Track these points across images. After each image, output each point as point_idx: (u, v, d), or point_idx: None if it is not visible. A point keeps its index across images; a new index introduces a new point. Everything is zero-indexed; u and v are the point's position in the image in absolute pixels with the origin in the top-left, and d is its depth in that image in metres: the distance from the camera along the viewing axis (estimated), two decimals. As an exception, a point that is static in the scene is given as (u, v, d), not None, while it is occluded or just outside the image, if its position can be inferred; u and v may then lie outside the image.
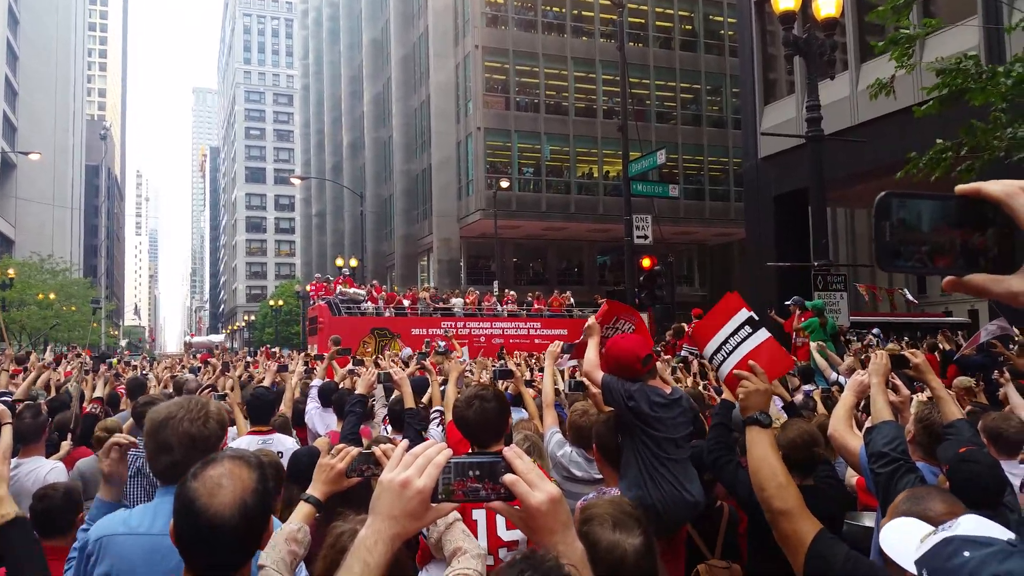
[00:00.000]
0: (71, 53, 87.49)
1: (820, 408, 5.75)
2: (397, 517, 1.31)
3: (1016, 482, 3.41)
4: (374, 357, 13.65)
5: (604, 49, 39.99)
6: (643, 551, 2.05)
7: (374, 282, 29.29)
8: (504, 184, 35.59)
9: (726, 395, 4.16)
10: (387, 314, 25.40)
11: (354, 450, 2.45)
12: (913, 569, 1.46)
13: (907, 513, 2.25)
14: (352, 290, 26.02)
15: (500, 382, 6.76)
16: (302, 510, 2.35)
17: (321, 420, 6.52)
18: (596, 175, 40.85)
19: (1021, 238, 0.87)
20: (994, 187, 0.88)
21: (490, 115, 38.88)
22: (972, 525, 1.42)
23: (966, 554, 1.34)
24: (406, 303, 26.21)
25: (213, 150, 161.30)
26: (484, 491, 1.33)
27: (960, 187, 0.91)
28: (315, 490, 2.40)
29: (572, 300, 28.51)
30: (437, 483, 1.33)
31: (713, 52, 43.31)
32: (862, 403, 4.80)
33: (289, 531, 2.25)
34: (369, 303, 25.72)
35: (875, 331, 17.06)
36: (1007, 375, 6.61)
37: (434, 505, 1.33)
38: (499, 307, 27.08)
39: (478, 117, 38.56)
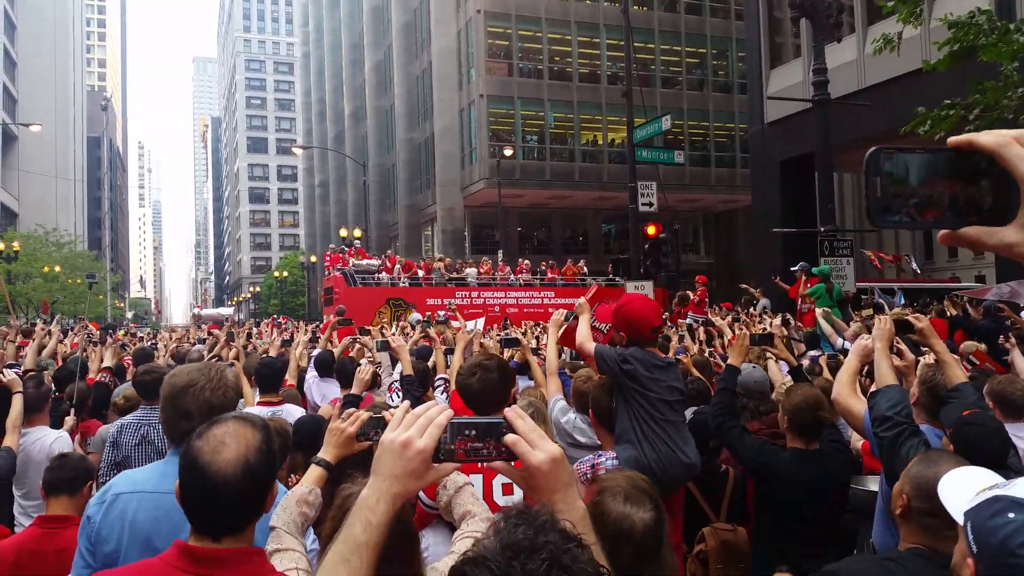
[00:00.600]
0: (69, 22, 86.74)
1: (826, 373, 5.75)
2: (399, 476, 1.33)
3: (1021, 445, 3.39)
4: (379, 327, 13.67)
5: (608, 13, 39.47)
6: (652, 525, 2.08)
7: (388, 252, 29.33)
8: (508, 152, 35.34)
9: (731, 361, 4.17)
10: (402, 284, 25.47)
11: (364, 414, 2.46)
12: (960, 519, 1.46)
13: (919, 476, 2.24)
14: (365, 261, 26.15)
15: (506, 350, 6.78)
16: (313, 473, 2.36)
17: (318, 390, 6.52)
18: (600, 142, 40.55)
19: (1015, 189, 0.86)
20: (987, 138, 0.87)
21: (493, 82, 38.51)
22: None
23: (1011, 515, 1.34)
24: (420, 273, 26.27)
25: (214, 120, 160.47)
26: (486, 451, 1.35)
27: (952, 139, 0.90)
28: (326, 453, 2.41)
29: (586, 269, 28.61)
30: (439, 443, 1.34)
31: (719, 15, 42.70)
32: (866, 368, 4.80)
33: (300, 493, 2.26)
34: (384, 273, 25.77)
35: (898, 297, 16.97)
36: (1013, 340, 6.58)
37: (436, 465, 1.35)
38: (512, 277, 27.13)
39: (481, 84, 38.20)
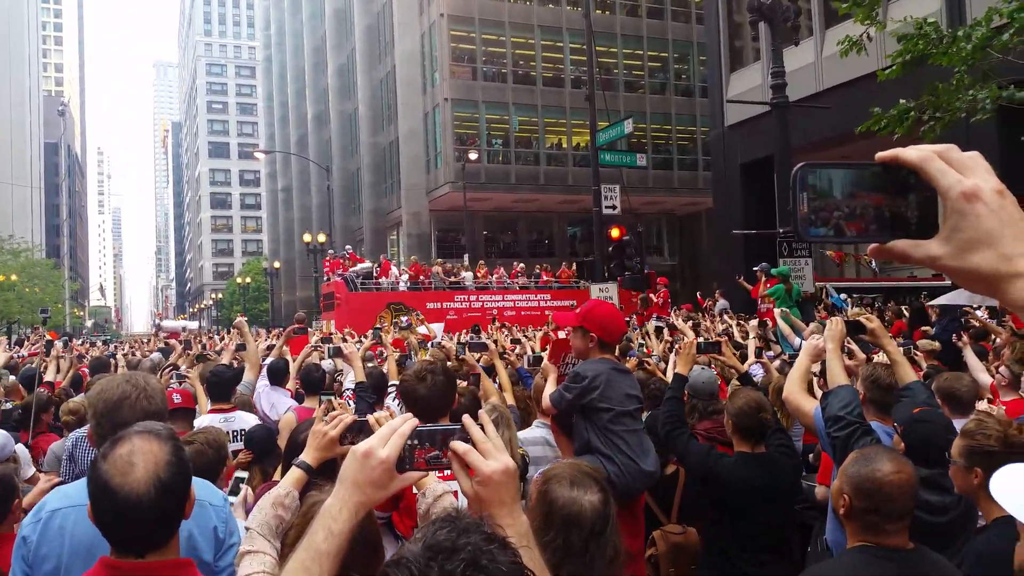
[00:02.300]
0: (24, 26, 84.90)
1: (774, 373, 5.84)
2: (361, 485, 1.34)
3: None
4: (339, 335, 13.60)
5: (571, 17, 39.64)
6: (600, 507, 2.10)
7: (382, 256, 29.39)
8: (473, 156, 35.29)
9: (679, 369, 4.21)
10: (402, 289, 25.71)
11: (348, 418, 2.43)
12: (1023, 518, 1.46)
13: (857, 475, 2.28)
14: (360, 265, 26.43)
15: (474, 354, 6.77)
16: (293, 475, 2.32)
17: (267, 398, 6.36)
18: (565, 146, 40.71)
19: (938, 203, 0.88)
20: (910, 153, 0.89)
21: (457, 85, 38.47)
22: None
23: None
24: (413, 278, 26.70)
25: (175, 125, 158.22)
26: (445, 459, 1.36)
27: (880, 154, 0.91)
28: (307, 456, 2.37)
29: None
30: (404, 452, 1.35)
31: (680, 19, 43.12)
32: (820, 368, 4.87)
33: (277, 495, 2.23)
34: (383, 278, 26.06)
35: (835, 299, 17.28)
36: (965, 339, 6.73)
37: (400, 474, 1.35)
38: (507, 280, 27.57)
39: (445, 88, 38.13)
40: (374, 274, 26.14)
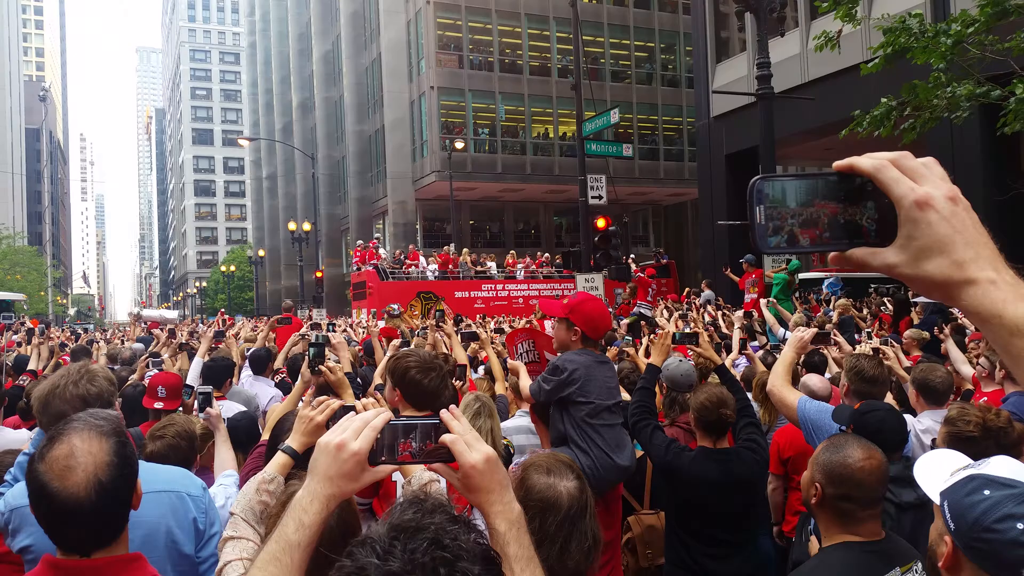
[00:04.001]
0: (3, 10, 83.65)
1: (759, 366, 5.88)
2: (333, 478, 1.33)
3: (937, 429, 3.51)
4: (328, 323, 13.59)
5: (558, 5, 39.46)
6: (576, 493, 2.12)
7: (411, 246, 29.69)
8: (459, 145, 35.16)
9: (652, 360, 4.23)
10: (431, 278, 26.24)
11: (335, 403, 2.42)
12: (937, 500, 1.52)
13: (829, 462, 2.33)
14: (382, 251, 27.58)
15: (468, 343, 6.80)
16: (278, 460, 2.32)
17: (250, 388, 6.38)
18: (552, 135, 40.63)
19: (895, 210, 0.89)
20: (865, 161, 0.90)
21: (443, 74, 38.28)
22: (1002, 466, 1.48)
23: (986, 492, 1.41)
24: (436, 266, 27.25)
25: (159, 112, 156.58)
26: (424, 452, 1.37)
27: (837, 163, 0.92)
28: (294, 441, 2.36)
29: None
30: (377, 445, 1.35)
31: (667, 10, 43.06)
32: (802, 359, 4.92)
33: (261, 480, 2.22)
34: (413, 268, 26.69)
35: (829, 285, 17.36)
36: (947, 331, 6.79)
37: (372, 467, 1.35)
38: (533, 269, 28.06)
39: (431, 76, 37.92)
40: (402, 264, 26.85)
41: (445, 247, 29.80)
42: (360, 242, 30.04)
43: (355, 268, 28.05)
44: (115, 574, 1.72)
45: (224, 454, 3.45)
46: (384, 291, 24.00)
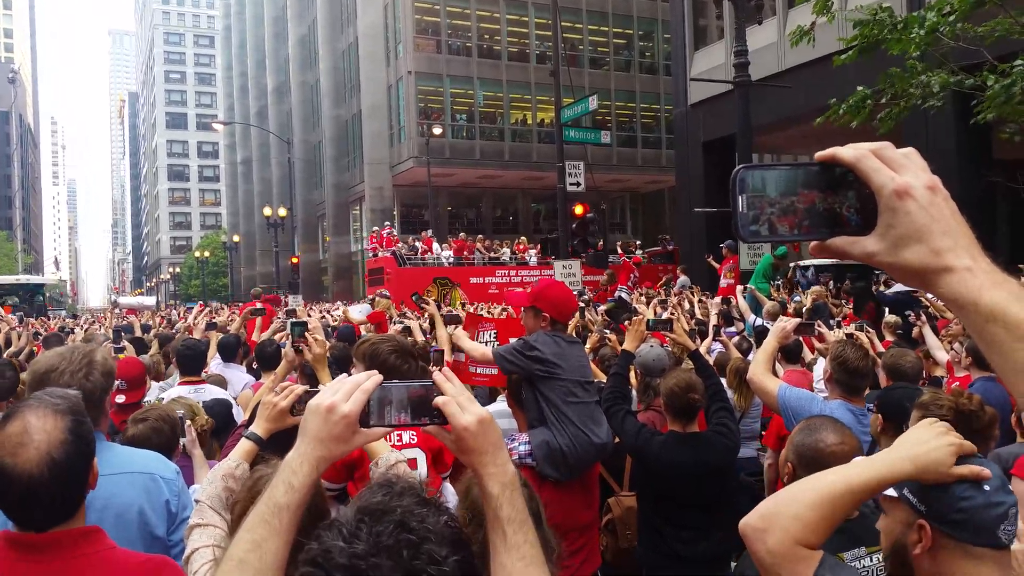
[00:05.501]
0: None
1: (733, 352, 5.94)
2: (323, 440, 1.32)
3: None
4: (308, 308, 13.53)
5: (536, -9, 39.37)
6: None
7: (424, 233, 29.58)
8: (437, 131, 35.01)
9: (626, 346, 4.28)
10: (447, 264, 26.45)
11: (299, 388, 2.41)
12: (894, 493, 1.59)
13: (801, 444, 2.37)
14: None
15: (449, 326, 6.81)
16: (243, 447, 2.30)
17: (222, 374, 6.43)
18: (530, 122, 40.53)
19: (874, 200, 0.90)
20: (846, 152, 0.92)
21: (421, 58, 38.00)
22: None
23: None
24: (446, 253, 27.50)
25: (132, 95, 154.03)
26: (415, 415, 1.36)
27: (819, 153, 0.94)
28: (258, 427, 2.35)
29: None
30: (368, 408, 1.34)
31: (646, -4, 43.06)
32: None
33: (227, 467, 2.21)
34: (430, 254, 26.86)
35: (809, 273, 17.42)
36: (923, 318, 6.90)
37: (363, 430, 1.35)
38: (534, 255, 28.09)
39: (409, 61, 37.63)
40: (420, 251, 27.05)
41: (424, 232, 29.78)
42: (375, 228, 30.10)
43: (371, 254, 28.25)
44: (71, 547, 1.72)
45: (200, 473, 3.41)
46: (402, 277, 24.15)
